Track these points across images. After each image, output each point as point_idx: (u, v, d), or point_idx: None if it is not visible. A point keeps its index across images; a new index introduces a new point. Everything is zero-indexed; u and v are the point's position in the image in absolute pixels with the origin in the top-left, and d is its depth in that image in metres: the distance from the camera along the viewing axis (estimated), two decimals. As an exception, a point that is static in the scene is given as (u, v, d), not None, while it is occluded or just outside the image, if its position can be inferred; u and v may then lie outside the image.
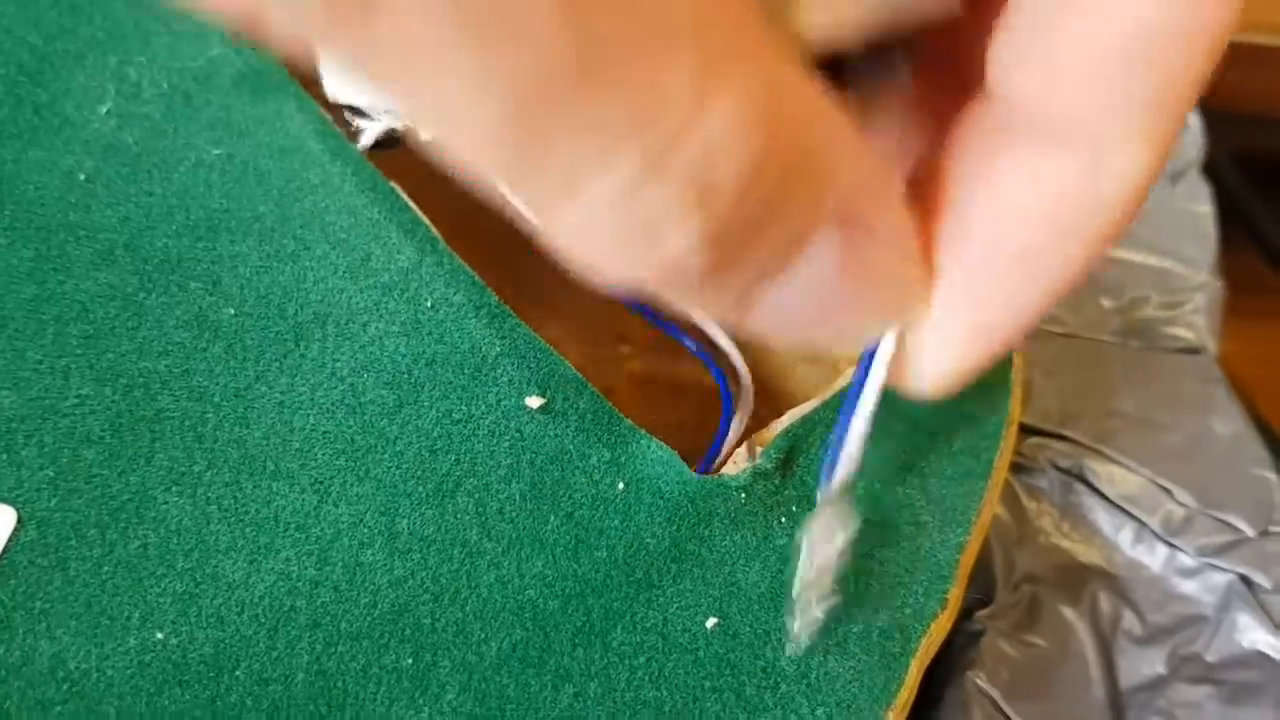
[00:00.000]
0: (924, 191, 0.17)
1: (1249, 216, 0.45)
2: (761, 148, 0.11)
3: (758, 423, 0.24)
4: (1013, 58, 0.14)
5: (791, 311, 0.13)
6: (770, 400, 0.30)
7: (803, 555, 0.18)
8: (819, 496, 0.18)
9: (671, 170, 0.11)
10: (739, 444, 0.24)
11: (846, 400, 0.18)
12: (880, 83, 0.18)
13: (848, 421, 0.18)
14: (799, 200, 0.12)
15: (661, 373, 0.30)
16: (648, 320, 0.25)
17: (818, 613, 0.18)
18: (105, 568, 0.18)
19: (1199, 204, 0.32)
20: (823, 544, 0.17)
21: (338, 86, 0.22)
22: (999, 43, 0.15)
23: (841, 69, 0.17)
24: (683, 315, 0.24)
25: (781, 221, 0.12)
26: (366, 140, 0.24)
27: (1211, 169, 0.45)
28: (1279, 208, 0.46)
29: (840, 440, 0.18)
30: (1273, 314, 0.55)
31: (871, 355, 0.18)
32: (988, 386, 0.23)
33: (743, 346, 0.29)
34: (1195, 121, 0.34)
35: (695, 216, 0.11)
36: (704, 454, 0.23)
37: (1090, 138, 0.14)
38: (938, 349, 0.16)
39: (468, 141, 0.10)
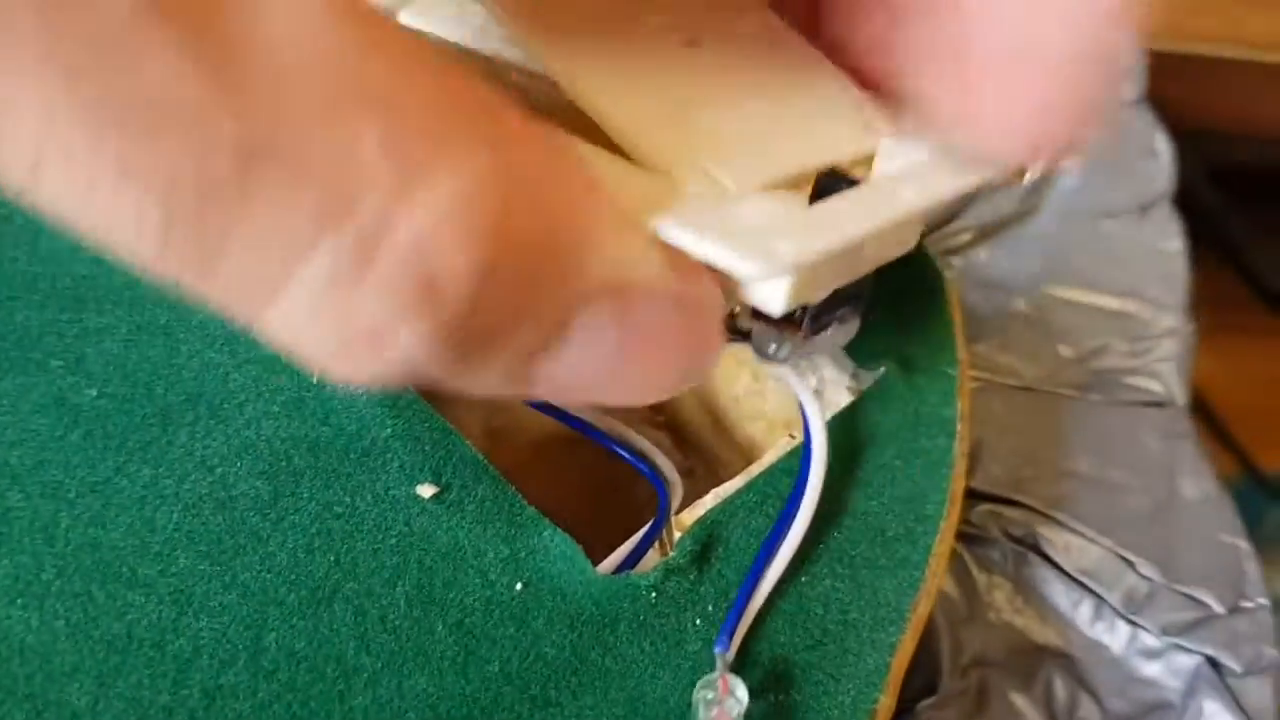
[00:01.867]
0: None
1: (1226, 237, 0.43)
2: (488, 242, 0.09)
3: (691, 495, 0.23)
4: None
5: (575, 380, 0.12)
6: (708, 466, 0.28)
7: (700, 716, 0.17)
8: (716, 659, 0.17)
9: (379, 268, 0.09)
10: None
11: (755, 563, 0.18)
12: (830, 323, 0.18)
13: (751, 586, 0.18)
14: (546, 290, 0.10)
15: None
16: (560, 421, 0.24)
17: None
18: (-60, 691, 0.16)
19: (1168, 241, 0.30)
20: (719, 711, 0.16)
21: None
22: None
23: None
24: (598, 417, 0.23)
25: (529, 311, 0.10)
26: None
27: (1188, 191, 0.43)
28: (1255, 224, 0.44)
29: (741, 604, 0.18)
30: (1253, 333, 0.53)
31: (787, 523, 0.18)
32: (928, 462, 0.21)
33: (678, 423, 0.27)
34: (1165, 150, 0.32)
35: (421, 316, 0.10)
36: (635, 520, 0.21)
37: None
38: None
39: (134, 248, 0.09)
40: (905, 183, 0.15)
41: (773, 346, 0.18)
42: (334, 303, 0.09)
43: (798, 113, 0.16)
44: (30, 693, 0.17)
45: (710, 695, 0.17)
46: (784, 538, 0.18)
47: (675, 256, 0.12)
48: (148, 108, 0.08)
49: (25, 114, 0.08)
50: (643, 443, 0.21)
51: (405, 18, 0.17)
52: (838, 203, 0.14)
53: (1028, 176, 0.16)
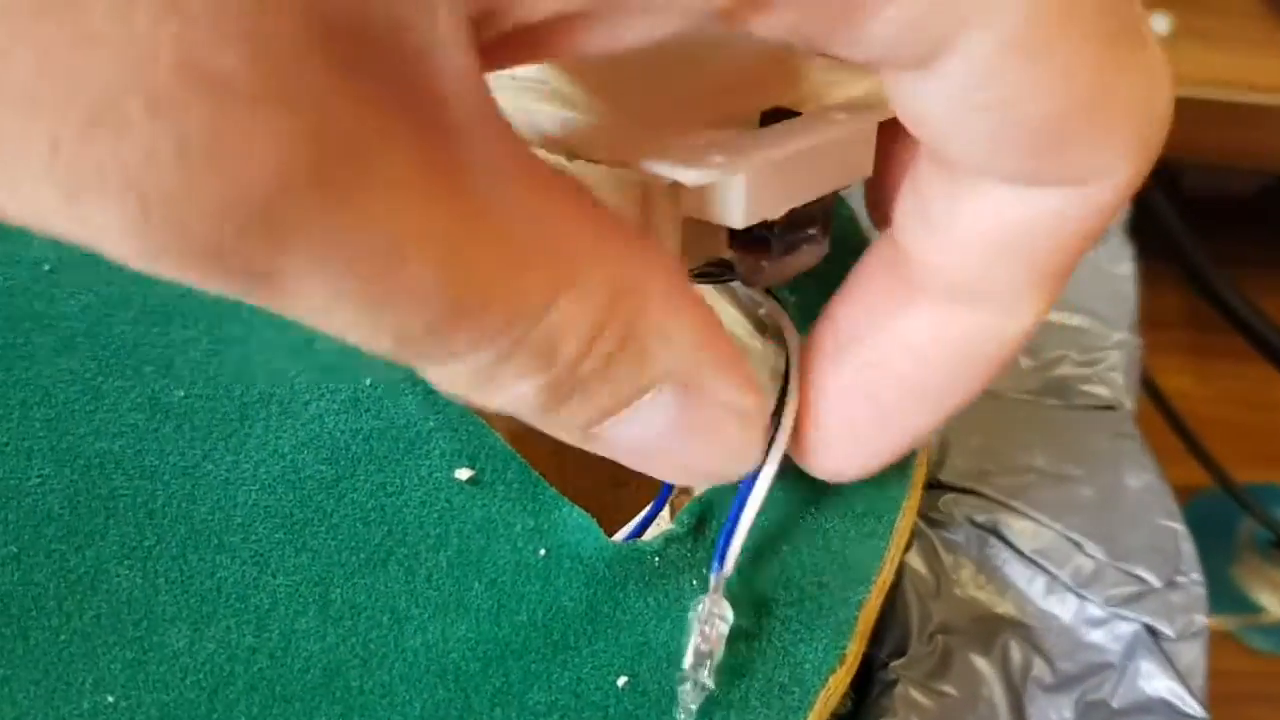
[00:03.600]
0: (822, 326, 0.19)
1: (1192, 264, 0.47)
2: (592, 334, 0.13)
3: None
4: (919, 225, 0.17)
5: (633, 446, 0.15)
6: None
7: (693, 635, 0.20)
8: (710, 580, 0.20)
9: (519, 355, 0.13)
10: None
11: (739, 492, 0.21)
12: (800, 243, 0.20)
13: (738, 515, 0.21)
14: (623, 371, 0.14)
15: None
16: None
17: (707, 687, 0.20)
18: (62, 636, 0.20)
19: (1120, 265, 0.34)
20: (709, 629, 0.19)
21: None
22: (906, 205, 0.17)
23: (764, 235, 0.19)
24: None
25: (609, 383, 0.14)
26: None
27: (1159, 220, 0.47)
28: (1219, 251, 0.47)
29: (730, 531, 0.20)
30: (1227, 354, 0.56)
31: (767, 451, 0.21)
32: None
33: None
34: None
35: (536, 375, 0.13)
36: (639, 508, 0.24)
37: (995, 301, 0.16)
38: (840, 459, 0.19)
39: (365, 345, 0.12)
40: (847, 110, 0.18)
41: (752, 271, 0.20)
42: (481, 373, 0.13)
43: (738, 64, 0.18)
44: (137, 636, 0.20)
45: (699, 614, 0.20)
46: (772, 447, 0.20)
47: (739, 370, 0.16)
48: (396, 289, 0.11)
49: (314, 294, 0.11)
50: None
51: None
52: (782, 125, 0.17)
53: None
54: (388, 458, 0.22)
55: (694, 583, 0.22)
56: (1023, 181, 0.14)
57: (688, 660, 0.20)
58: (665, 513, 0.24)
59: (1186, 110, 0.51)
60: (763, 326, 0.27)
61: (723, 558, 0.20)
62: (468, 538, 0.22)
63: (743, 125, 0.18)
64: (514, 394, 0.13)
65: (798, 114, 0.18)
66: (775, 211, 0.18)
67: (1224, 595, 0.51)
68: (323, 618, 0.20)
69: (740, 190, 0.16)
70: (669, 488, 0.24)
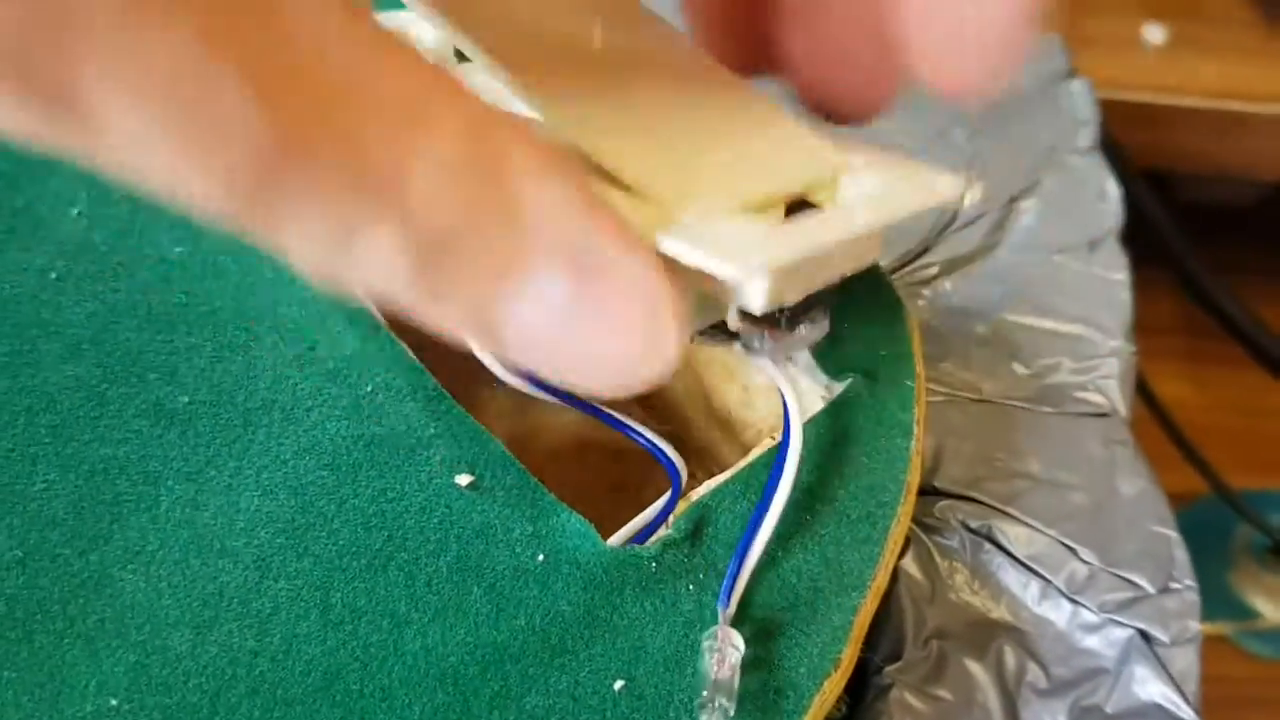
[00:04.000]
0: None
1: (1187, 272, 0.47)
2: (444, 175, 0.13)
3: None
4: None
5: (534, 338, 0.14)
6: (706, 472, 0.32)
7: (706, 666, 0.20)
8: (719, 613, 0.21)
9: (365, 204, 0.12)
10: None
11: (749, 525, 0.21)
12: (804, 322, 0.21)
13: (746, 546, 0.21)
14: (494, 228, 0.13)
15: (602, 436, 0.32)
16: (585, 412, 0.27)
17: (729, 712, 0.20)
18: (66, 640, 0.20)
19: (1114, 272, 0.34)
20: (720, 659, 0.20)
21: None
22: None
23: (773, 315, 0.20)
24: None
25: (482, 244, 0.13)
26: None
27: (1152, 228, 0.47)
28: (1213, 260, 0.48)
29: (739, 564, 0.21)
30: (1224, 360, 0.56)
31: (773, 489, 0.21)
32: (888, 458, 0.25)
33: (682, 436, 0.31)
34: (1114, 191, 0.36)
35: (392, 231, 0.13)
36: (637, 511, 0.25)
37: None
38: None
39: (199, 203, 0.12)
40: (861, 206, 0.19)
41: (757, 342, 0.21)
42: (334, 232, 0.12)
43: (759, 145, 0.20)
44: (140, 640, 0.20)
45: (713, 644, 0.20)
46: (774, 496, 0.22)
47: (638, 250, 0.15)
48: (212, 123, 0.11)
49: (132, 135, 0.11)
50: (655, 436, 0.24)
51: None
52: (803, 221, 0.18)
53: (967, 199, 0.20)
54: (388, 464, 0.23)
55: (690, 588, 0.22)
56: None
57: (706, 690, 0.20)
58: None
59: (1181, 119, 0.51)
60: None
61: (729, 594, 0.21)
62: (467, 543, 0.22)
63: (766, 213, 0.19)
64: (380, 264, 0.13)
65: (815, 207, 0.19)
66: (792, 300, 0.19)
67: (1221, 601, 0.51)
68: (323, 622, 0.20)
69: (765, 284, 0.17)
70: (675, 493, 0.24)
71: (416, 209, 0.13)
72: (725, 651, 0.20)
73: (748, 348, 0.22)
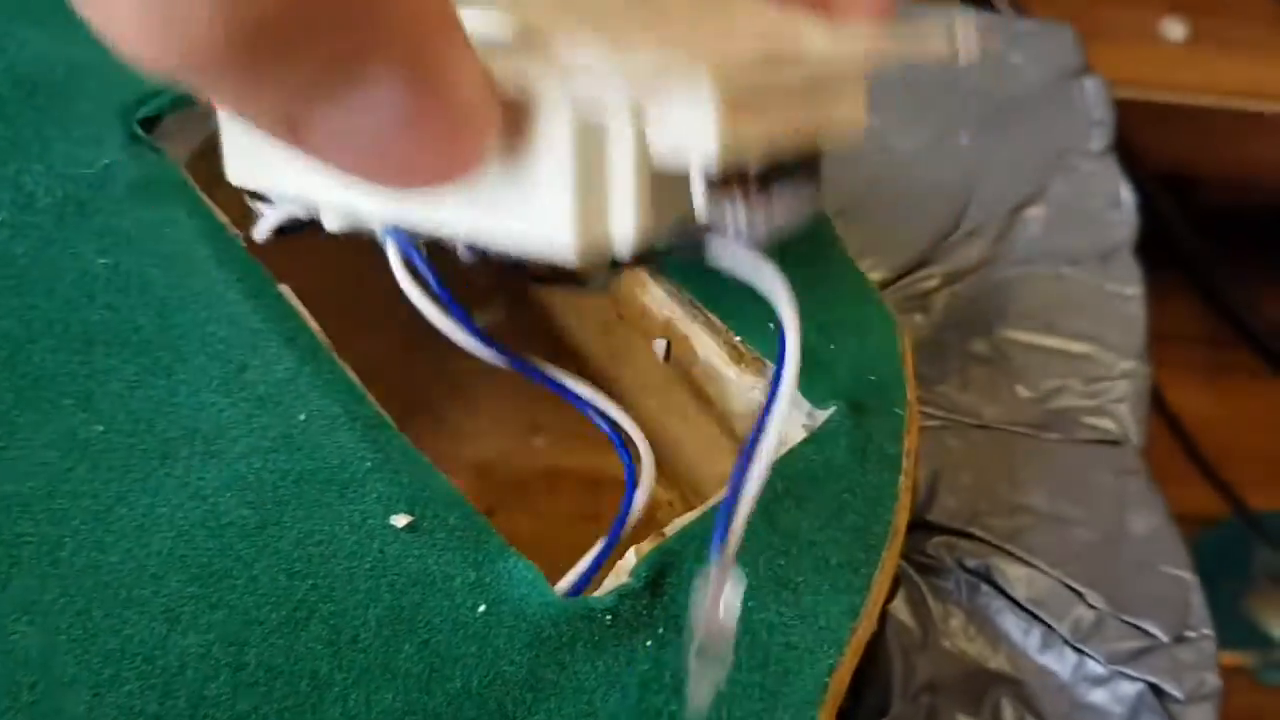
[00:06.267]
0: None
1: (1208, 282, 0.45)
2: None
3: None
4: None
5: (349, 139, 0.13)
6: (683, 490, 0.30)
7: (696, 620, 0.17)
8: (711, 562, 0.17)
9: None
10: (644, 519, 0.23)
11: (737, 462, 0.18)
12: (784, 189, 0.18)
13: (740, 481, 0.18)
14: (323, 17, 0.12)
15: (576, 465, 0.30)
16: (552, 389, 0.25)
17: (717, 675, 0.17)
18: (-49, 701, 0.18)
19: (1128, 287, 0.31)
20: (714, 609, 0.17)
21: (238, 170, 0.21)
22: None
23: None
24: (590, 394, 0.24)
25: (323, 35, 0.12)
26: (267, 226, 0.23)
27: (1171, 235, 0.45)
28: (1236, 268, 0.45)
29: (733, 501, 0.18)
30: (1247, 374, 0.54)
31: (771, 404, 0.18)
32: (874, 495, 0.22)
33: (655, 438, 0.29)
34: (1128, 198, 0.34)
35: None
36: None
37: None
38: None
39: None
40: (830, 39, 0.16)
41: (729, 215, 0.17)
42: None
43: (723, 21, 0.17)
44: (33, 700, 0.18)
45: (705, 595, 0.17)
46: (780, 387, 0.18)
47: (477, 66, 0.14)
48: None
49: None
50: (620, 414, 0.21)
51: None
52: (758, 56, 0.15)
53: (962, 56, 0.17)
54: (318, 502, 0.21)
55: (648, 644, 0.20)
56: None
57: (696, 646, 0.17)
58: (629, 555, 0.22)
59: (1203, 120, 0.49)
60: (738, 355, 0.26)
61: (724, 532, 0.17)
62: (400, 592, 0.20)
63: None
64: (200, 32, 0.11)
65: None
66: (756, 150, 0.16)
67: (1240, 629, 0.49)
68: (234, 682, 0.18)
69: (714, 113, 0.14)
70: (631, 488, 0.22)
71: None
72: (721, 595, 0.16)
73: (719, 230, 0.17)
